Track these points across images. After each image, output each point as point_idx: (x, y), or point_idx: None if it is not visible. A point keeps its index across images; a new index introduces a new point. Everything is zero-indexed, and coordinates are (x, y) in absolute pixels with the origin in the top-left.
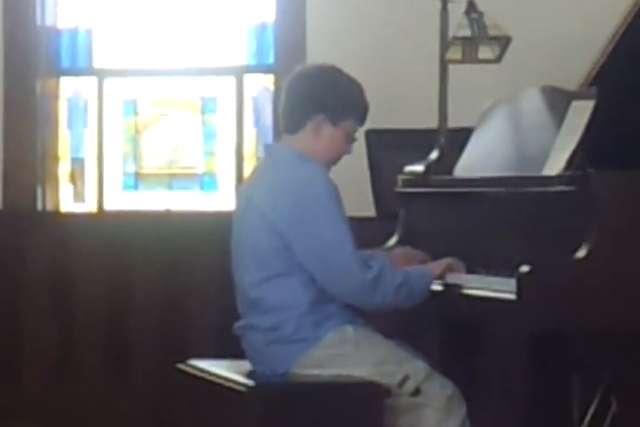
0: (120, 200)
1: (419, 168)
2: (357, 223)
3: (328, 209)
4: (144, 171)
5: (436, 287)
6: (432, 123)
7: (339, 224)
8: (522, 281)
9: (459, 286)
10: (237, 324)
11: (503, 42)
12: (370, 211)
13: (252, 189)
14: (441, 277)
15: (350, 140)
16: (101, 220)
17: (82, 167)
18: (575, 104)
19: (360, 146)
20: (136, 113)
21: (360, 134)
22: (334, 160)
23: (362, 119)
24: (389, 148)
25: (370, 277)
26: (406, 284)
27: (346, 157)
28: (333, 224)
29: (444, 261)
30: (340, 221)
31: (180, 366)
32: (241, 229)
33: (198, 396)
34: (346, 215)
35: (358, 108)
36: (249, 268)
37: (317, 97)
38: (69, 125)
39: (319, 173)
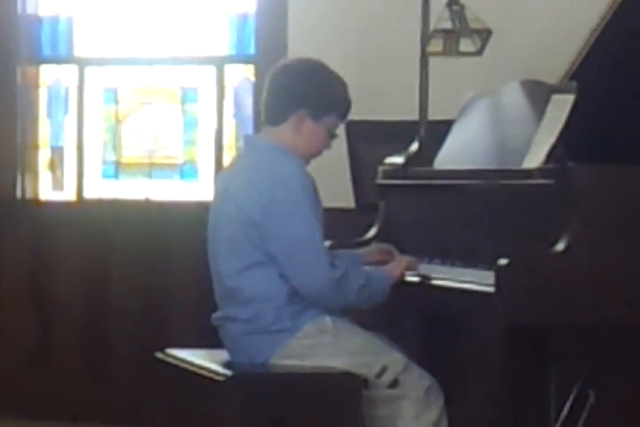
0: (100, 189)
1: (399, 160)
2: (337, 215)
3: (302, 204)
4: (124, 160)
5: (414, 279)
6: (412, 115)
7: (311, 220)
8: (500, 274)
9: (437, 279)
10: (215, 315)
11: (484, 35)
12: (349, 202)
13: (230, 179)
14: (400, 278)
15: (331, 135)
16: (81, 208)
17: (61, 156)
18: (555, 98)
19: (340, 137)
20: (116, 102)
21: (340, 126)
22: (314, 155)
23: (344, 115)
24: (369, 139)
25: (336, 276)
26: (367, 285)
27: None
28: (306, 219)
29: (403, 263)
30: (313, 217)
31: (159, 355)
32: (218, 219)
33: (176, 385)
34: (322, 211)
35: (341, 105)
36: (226, 258)
37: (301, 92)
38: (49, 114)
39: (296, 167)
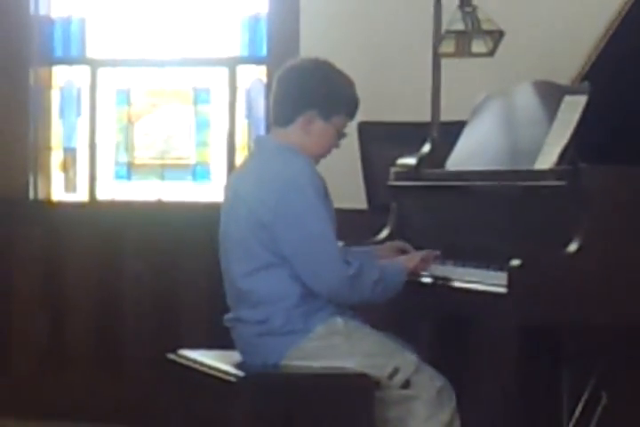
0: (112, 190)
1: (411, 161)
2: (349, 215)
3: (312, 203)
4: (136, 161)
5: (427, 280)
6: (425, 116)
7: (322, 218)
8: (512, 275)
9: (449, 279)
10: (227, 316)
11: (496, 36)
12: (362, 203)
13: (240, 180)
14: (415, 270)
15: (340, 135)
16: (93, 209)
17: (74, 157)
18: (568, 99)
19: (352, 138)
20: (129, 103)
21: (352, 127)
22: (323, 155)
23: (352, 115)
24: (382, 140)
25: (350, 273)
26: (382, 280)
27: (338, 150)
28: (317, 218)
29: (417, 255)
30: (324, 215)
31: (171, 356)
32: (228, 220)
33: (188, 386)
34: (333, 210)
35: (350, 104)
36: (237, 260)
37: (310, 92)
38: (62, 115)
39: (306, 167)
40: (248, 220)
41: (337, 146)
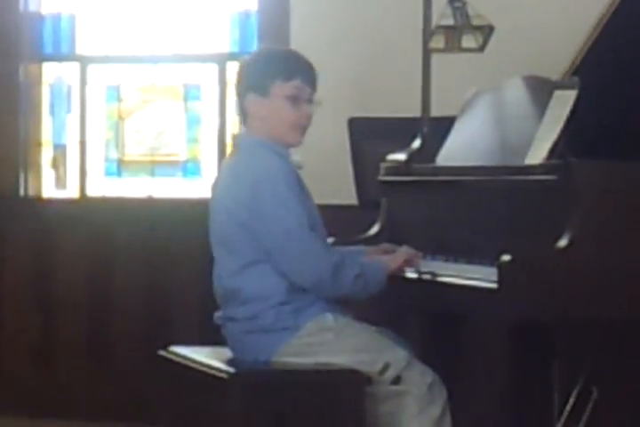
0: (102, 187)
1: (401, 157)
2: (340, 212)
3: (285, 197)
4: (127, 157)
5: (418, 276)
6: (415, 111)
7: (296, 212)
8: (503, 270)
9: (440, 275)
10: (217, 314)
11: (486, 31)
12: (352, 199)
13: (218, 181)
14: (397, 271)
15: (296, 101)
16: (83, 206)
17: (64, 153)
18: (558, 94)
19: (343, 134)
20: (119, 99)
21: (343, 122)
22: (294, 127)
23: (295, 76)
24: (372, 136)
25: (332, 260)
26: (363, 275)
27: (328, 145)
28: (290, 210)
29: (401, 256)
30: (297, 209)
31: (162, 352)
32: (212, 221)
33: (180, 383)
34: (311, 201)
35: (281, 69)
36: (222, 259)
37: (244, 77)
38: (52, 112)
39: (275, 161)
40: (228, 219)
41: (306, 112)
